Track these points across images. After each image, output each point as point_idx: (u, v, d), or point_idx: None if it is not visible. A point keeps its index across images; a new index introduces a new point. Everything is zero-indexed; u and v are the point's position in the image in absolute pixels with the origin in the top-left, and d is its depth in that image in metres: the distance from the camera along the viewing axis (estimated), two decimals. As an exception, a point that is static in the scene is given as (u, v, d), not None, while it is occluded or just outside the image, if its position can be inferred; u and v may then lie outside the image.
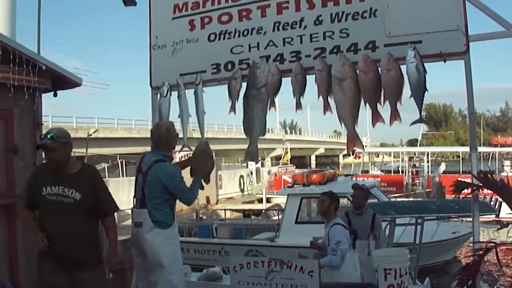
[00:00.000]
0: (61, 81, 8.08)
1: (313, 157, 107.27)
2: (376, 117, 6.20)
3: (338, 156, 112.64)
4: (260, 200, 37.44)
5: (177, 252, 6.29)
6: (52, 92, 8.25)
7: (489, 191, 6.40)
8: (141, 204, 6.29)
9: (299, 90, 6.65)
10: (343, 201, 18.49)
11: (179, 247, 6.35)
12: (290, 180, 25.76)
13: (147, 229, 6.12)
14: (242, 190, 42.93)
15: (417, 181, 38.19)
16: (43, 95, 8.02)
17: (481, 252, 5.60)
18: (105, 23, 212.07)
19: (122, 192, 26.65)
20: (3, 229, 7.48)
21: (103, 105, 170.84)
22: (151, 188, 6.20)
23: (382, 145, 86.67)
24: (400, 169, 40.49)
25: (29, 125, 7.84)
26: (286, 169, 45.93)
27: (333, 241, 7.51)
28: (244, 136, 7.09)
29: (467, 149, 6.50)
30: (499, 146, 40.06)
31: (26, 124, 7.79)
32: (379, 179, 30.78)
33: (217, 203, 35.89)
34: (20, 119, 7.67)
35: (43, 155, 6.00)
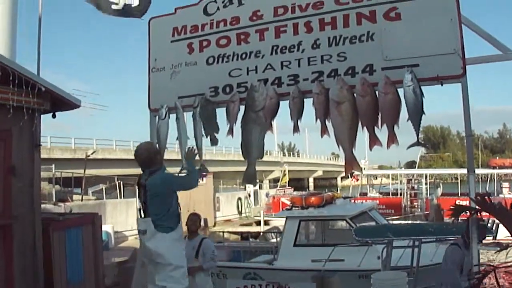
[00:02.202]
0: (60, 102, 8.11)
1: (311, 180, 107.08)
2: (373, 140, 6.22)
3: (336, 178, 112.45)
4: (258, 223, 37.29)
5: (181, 254, 6.55)
6: (51, 113, 8.27)
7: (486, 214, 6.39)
8: (145, 214, 6.61)
9: (297, 113, 6.67)
10: (342, 224, 18.48)
11: (183, 250, 6.65)
12: (288, 202, 25.69)
13: (150, 235, 6.41)
14: (240, 213, 42.77)
15: (416, 203, 38.06)
16: (42, 116, 8.04)
17: (480, 275, 5.58)
18: (106, 46, 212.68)
19: (120, 213, 26.48)
20: (0, 249, 7.46)
21: (101, 126, 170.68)
22: (152, 195, 6.51)
23: (380, 167, 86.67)
24: (398, 191, 40.38)
25: (27, 146, 7.85)
26: (284, 191, 45.80)
27: (210, 250, 8.57)
28: (242, 158, 7.10)
29: (465, 171, 6.51)
30: (497, 168, 40.03)
31: (25, 145, 7.80)
32: (378, 201, 30.76)
33: (214, 225, 35.81)
34: (19, 140, 7.68)
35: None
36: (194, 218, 8.68)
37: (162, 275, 6.39)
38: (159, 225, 6.41)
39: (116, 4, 8.76)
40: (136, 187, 6.99)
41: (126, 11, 8.83)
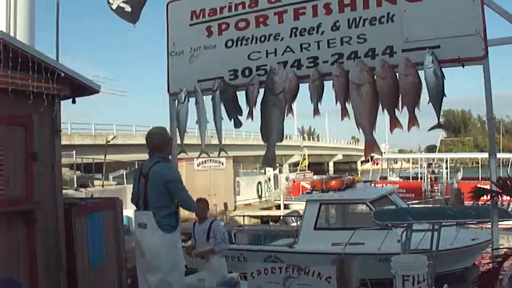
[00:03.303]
0: (79, 88, 8.14)
1: (331, 164, 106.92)
2: (394, 122, 6.18)
3: (356, 162, 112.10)
4: (278, 207, 37.34)
5: (178, 256, 6.43)
6: (71, 99, 8.31)
7: (507, 198, 6.33)
8: (145, 206, 6.46)
9: (317, 96, 6.64)
10: (362, 207, 18.47)
11: (181, 251, 6.53)
12: (308, 186, 25.70)
13: (151, 231, 6.29)
14: (260, 197, 42.88)
15: (436, 188, 37.87)
16: (62, 102, 8.08)
17: (500, 259, 5.54)
18: (124, 32, 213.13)
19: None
20: (23, 235, 7.53)
21: (121, 112, 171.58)
22: (154, 189, 6.39)
23: (400, 151, 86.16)
24: (418, 175, 40.18)
25: (48, 132, 7.90)
26: (304, 175, 45.81)
27: (220, 232, 8.62)
28: (261, 142, 7.09)
29: (486, 155, 6.44)
30: (519, 152, 39.67)
31: (45, 131, 7.85)
32: (398, 185, 30.63)
33: (235, 210, 35.93)
34: (40, 126, 7.72)
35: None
36: (202, 206, 8.67)
37: (156, 279, 6.25)
38: (159, 222, 6.26)
39: (111, 4, 8.69)
40: (138, 175, 6.82)
41: (120, 13, 8.75)
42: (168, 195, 6.34)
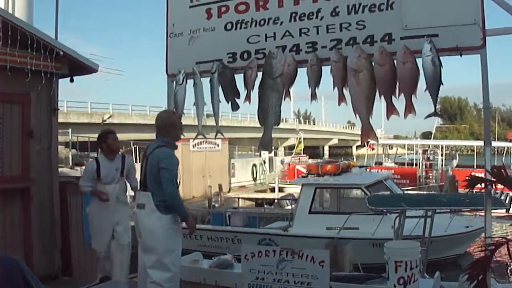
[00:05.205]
0: (78, 66, 8.15)
1: (326, 148, 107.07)
2: (390, 109, 6.20)
3: (351, 147, 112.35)
4: (272, 190, 37.49)
5: (175, 238, 6.42)
6: (69, 78, 8.32)
7: (501, 186, 6.38)
8: (144, 187, 6.54)
9: (315, 80, 6.64)
10: (357, 192, 18.57)
11: (179, 234, 6.51)
12: (304, 170, 25.77)
13: (149, 211, 6.35)
14: (254, 179, 42.96)
15: (431, 174, 38.03)
16: (59, 80, 8.09)
17: (492, 247, 5.59)
18: (123, 10, 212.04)
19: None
20: (19, 212, 7.57)
21: (118, 92, 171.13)
22: (151, 172, 6.45)
23: (396, 137, 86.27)
24: (413, 161, 40.32)
25: (45, 110, 7.93)
26: (299, 159, 45.96)
27: (133, 169, 8.36)
28: (257, 125, 7.11)
29: (481, 143, 6.47)
30: (514, 141, 39.79)
31: (43, 109, 7.88)
32: (393, 171, 30.74)
33: (229, 191, 36.05)
34: (37, 104, 7.76)
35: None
36: (114, 136, 8.09)
37: (152, 260, 6.30)
38: (157, 204, 6.32)
39: None
40: (143, 155, 6.90)
41: None
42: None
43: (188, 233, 6.86)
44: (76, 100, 61.23)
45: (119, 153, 8.23)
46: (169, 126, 6.74)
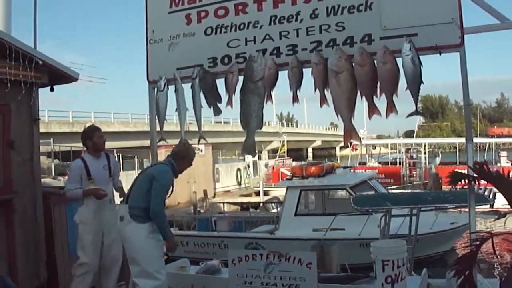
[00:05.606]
0: (57, 75, 8.10)
1: (310, 150, 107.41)
2: (372, 109, 6.23)
3: (335, 148, 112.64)
4: (257, 193, 37.48)
5: (155, 247, 6.44)
6: (49, 87, 8.26)
7: (484, 182, 6.43)
8: (127, 199, 6.63)
9: (296, 83, 6.66)
10: (342, 193, 18.62)
11: (159, 241, 6.50)
12: (288, 172, 25.79)
13: (126, 222, 6.43)
14: (239, 183, 42.97)
15: (414, 173, 38.23)
16: (39, 89, 8.03)
17: (477, 243, 5.63)
18: (103, 18, 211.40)
19: (120, 186, 26.31)
20: (2, 224, 7.50)
21: (99, 100, 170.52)
22: (139, 184, 6.58)
23: (378, 137, 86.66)
24: (397, 160, 40.50)
25: (26, 120, 7.87)
26: (283, 161, 45.99)
27: (117, 167, 8.19)
28: (240, 129, 7.11)
29: (463, 140, 6.51)
30: (495, 136, 40.10)
31: (23, 119, 7.81)
32: (377, 170, 30.87)
33: (214, 197, 36.00)
34: (17, 114, 7.69)
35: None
36: (100, 133, 7.84)
37: (136, 270, 6.37)
38: (132, 214, 6.39)
39: None
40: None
41: None
42: (149, 192, 6.43)
43: (166, 252, 6.79)
44: (58, 109, 60.66)
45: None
46: (181, 158, 6.87)
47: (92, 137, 7.60)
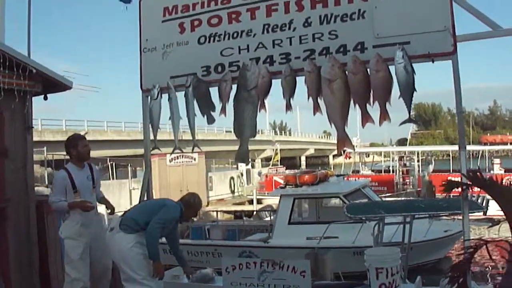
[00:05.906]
0: (51, 84, 8.08)
1: (303, 158, 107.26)
2: (365, 117, 6.25)
3: (328, 156, 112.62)
4: (250, 202, 37.40)
5: (141, 256, 6.50)
6: (43, 96, 8.25)
7: (477, 189, 6.45)
8: (124, 213, 6.94)
9: (289, 91, 6.68)
10: (336, 201, 18.60)
11: (143, 251, 6.52)
12: (281, 181, 25.77)
13: (114, 232, 6.61)
14: (232, 192, 42.85)
15: (408, 180, 38.24)
16: (33, 98, 8.02)
17: (471, 250, 5.64)
18: (97, 27, 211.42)
19: (113, 194, 26.42)
20: (-6, 233, 7.47)
21: (92, 108, 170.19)
22: (148, 203, 7.07)
23: (371, 145, 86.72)
24: (390, 168, 40.51)
25: (20, 128, 7.84)
26: (277, 170, 45.92)
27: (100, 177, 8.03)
28: (234, 137, 7.13)
29: (456, 147, 6.54)
30: (488, 144, 40.17)
31: (17, 127, 7.79)
32: (370, 178, 30.87)
33: (208, 205, 35.88)
34: (11, 123, 7.67)
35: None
36: (86, 142, 7.54)
37: (123, 278, 6.52)
38: (121, 225, 6.58)
39: None
40: None
41: None
42: (149, 215, 6.56)
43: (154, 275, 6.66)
44: (51, 118, 60.61)
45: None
46: (187, 206, 6.93)
47: (76, 146, 7.25)
